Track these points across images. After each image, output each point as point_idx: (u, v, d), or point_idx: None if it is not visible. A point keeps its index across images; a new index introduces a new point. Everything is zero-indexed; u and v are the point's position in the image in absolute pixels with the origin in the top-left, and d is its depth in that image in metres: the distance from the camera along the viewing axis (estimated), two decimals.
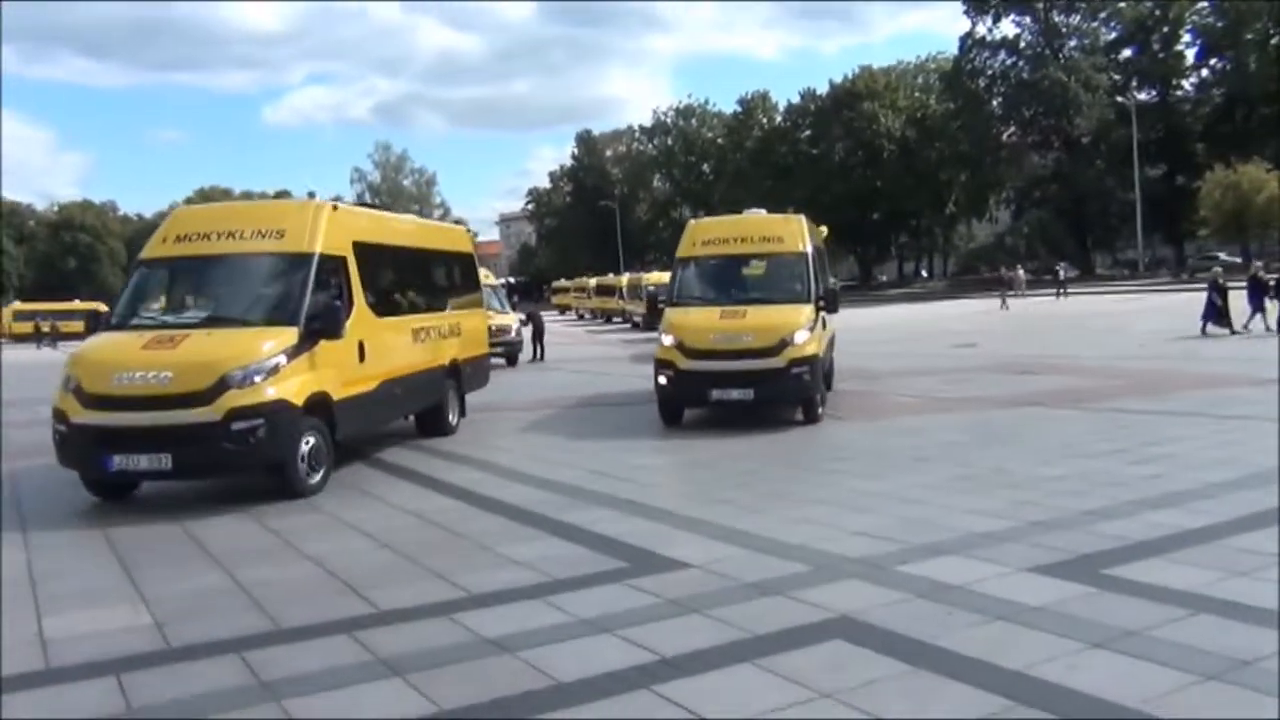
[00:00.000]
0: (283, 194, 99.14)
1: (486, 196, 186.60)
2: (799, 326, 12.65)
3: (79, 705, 4.72)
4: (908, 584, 6.03)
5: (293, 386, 9.25)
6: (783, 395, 12.83)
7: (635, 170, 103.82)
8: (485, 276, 30.91)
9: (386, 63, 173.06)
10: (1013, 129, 77.22)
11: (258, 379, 8.99)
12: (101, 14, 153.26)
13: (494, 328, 26.18)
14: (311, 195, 11.82)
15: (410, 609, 5.99)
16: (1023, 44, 75.11)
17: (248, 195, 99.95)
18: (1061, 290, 49.95)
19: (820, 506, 8.27)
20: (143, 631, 5.81)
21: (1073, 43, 73.77)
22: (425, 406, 13.15)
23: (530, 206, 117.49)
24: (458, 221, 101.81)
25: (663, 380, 12.98)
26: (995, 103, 76.44)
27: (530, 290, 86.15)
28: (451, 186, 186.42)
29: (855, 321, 34.19)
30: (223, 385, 8.81)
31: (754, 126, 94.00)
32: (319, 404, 9.68)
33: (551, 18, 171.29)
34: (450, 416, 13.70)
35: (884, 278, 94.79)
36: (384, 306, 11.62)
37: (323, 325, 9.69)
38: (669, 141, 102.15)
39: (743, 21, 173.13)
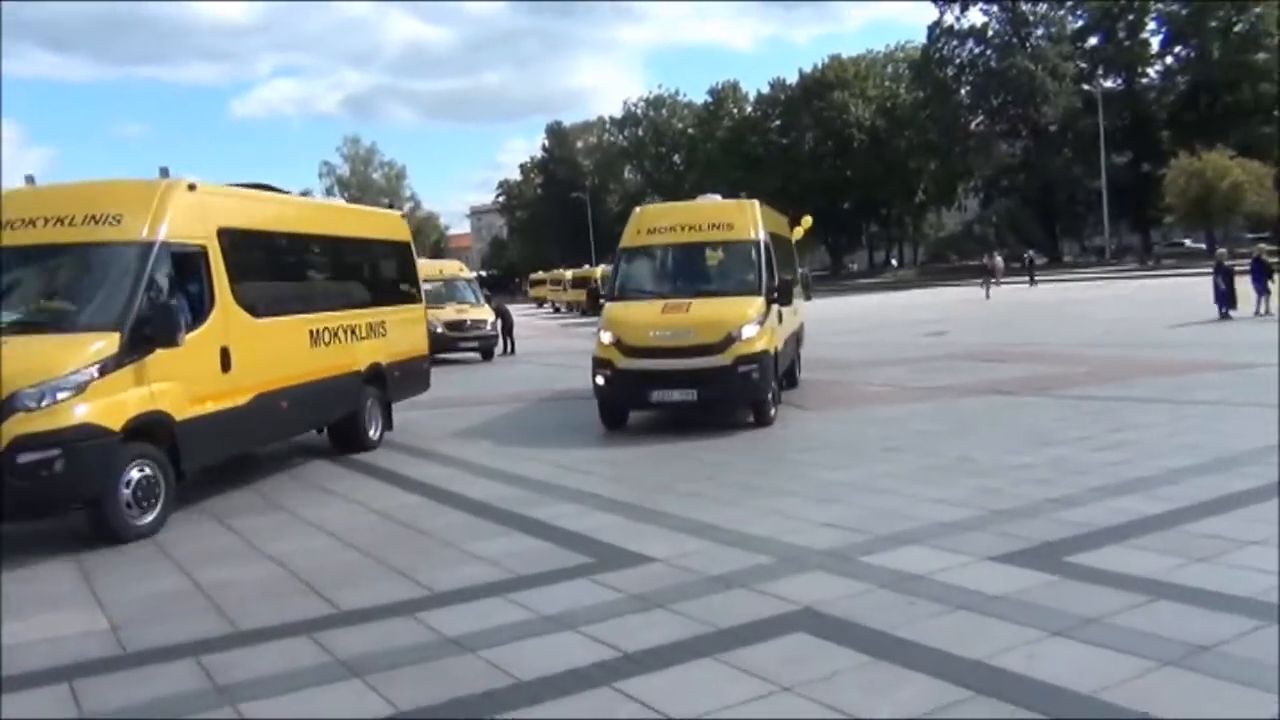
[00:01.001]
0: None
1: (458, 189, 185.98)
2: (747, 320, 11.76)
3: (30, 712, 4.63)
4: (871, 575, 6.03)
5: (105, 407, 7.70)
6: (729, 396, 11.91)
7: (606, 161, 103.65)
8: (460, 270, 30.93)
9: (356, 55, 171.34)
10: (981, 118, 77.53)
11: (60, 396, 7.47)
12: (67, 9, 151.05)
13: (469, 321, 26.19)
14: (164, 173, 9.31)
15: (372, 609, 5.92)
16: (990, 33, 75.40)
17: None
18: (1032, 278, 50.30)
19: (788, 498, 8.27)
20: (99, 636, 5.71)
21: (1040, 31, 74.09)
22: (331, 419, 11.73)
23: (501, 199, 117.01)
24: (427, 215, 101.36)
25: (600, 380, 12.12)
26: (963, 91, 76.74)
27: (501, 283, 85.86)
28: (422, 180, 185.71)
29: (825, 311, 34.33)
30: (9, 407, 7.30)
31: (724, 117, 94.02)
32: (150, 426, 8.16)
33: (523, 9, 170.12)
34: (370, 429, 12.17)
35: (854, 266, 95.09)
36: (267, 305, 10.09)
37: (155, 330, 8.14)
38: (639, 132, 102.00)
39: (715, 11, 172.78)
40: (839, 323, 30.17)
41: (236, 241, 9.62)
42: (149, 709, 4.58)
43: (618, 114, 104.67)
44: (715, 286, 12.56)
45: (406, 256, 14.40)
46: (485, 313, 27.10)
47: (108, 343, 7.81)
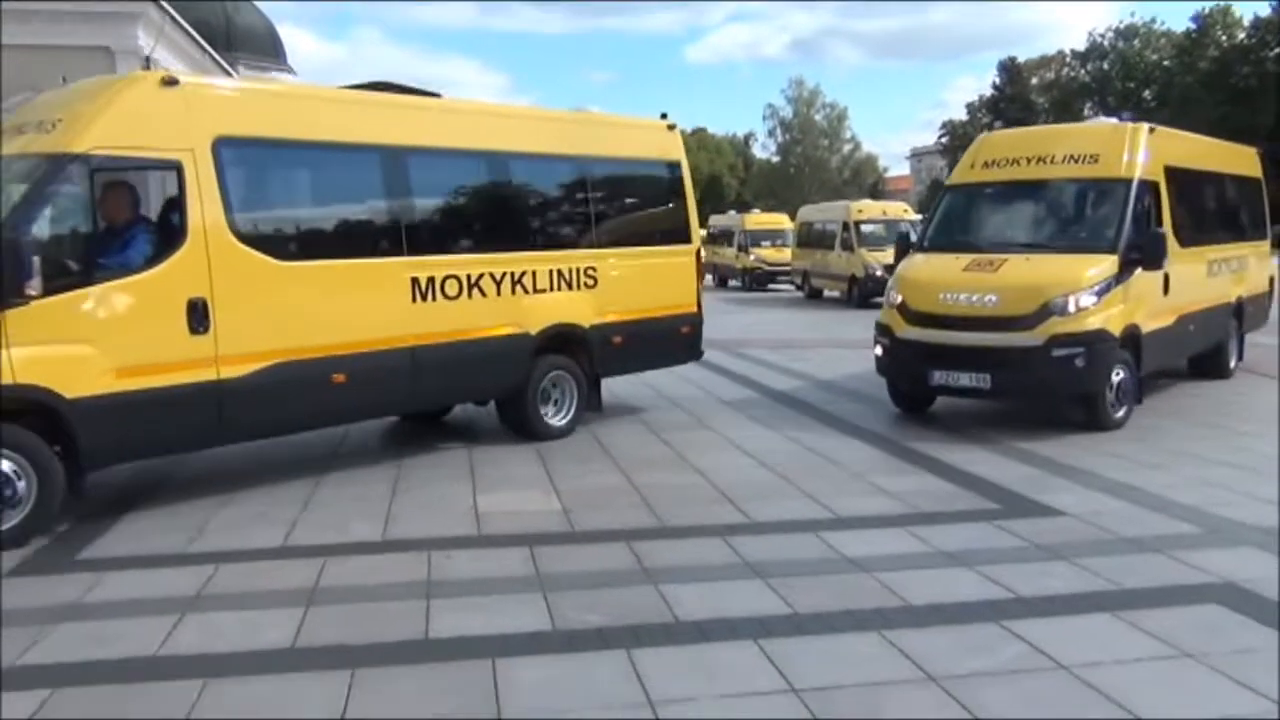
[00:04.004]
0: (699, 130, 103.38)
1: (899, 130, 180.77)
2: (1079, 287, 8.96)
3: (501, 567, 5.68)
4: None
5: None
6: (1036, 386, 9.25)
7: (1063, 99, 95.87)
8: (904, 211, 30.78)
9: None
10: None
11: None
12: None
13: None
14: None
15: (779, 522, 6.45)
16: None
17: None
18: None
19: (1226, 469, 7.65)
20: (553, 515, 6.78)
21: None
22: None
23: (944, 140, 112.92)
24: (866, 157, 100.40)
25: (879, 351, 10.13)
26: None
27: None
28: (863, 120, 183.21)
29: None
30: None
31: (1210, 45, 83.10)
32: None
33: None
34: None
35: None
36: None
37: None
38: (1105, 66, 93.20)
39: None
40: None
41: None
42: (590, 578, 5.43)
43: (1080, 47, 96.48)
44: (1052, 239, 9.95)
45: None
46: None
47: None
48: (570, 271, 9.22)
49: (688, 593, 5.17)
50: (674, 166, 10.63)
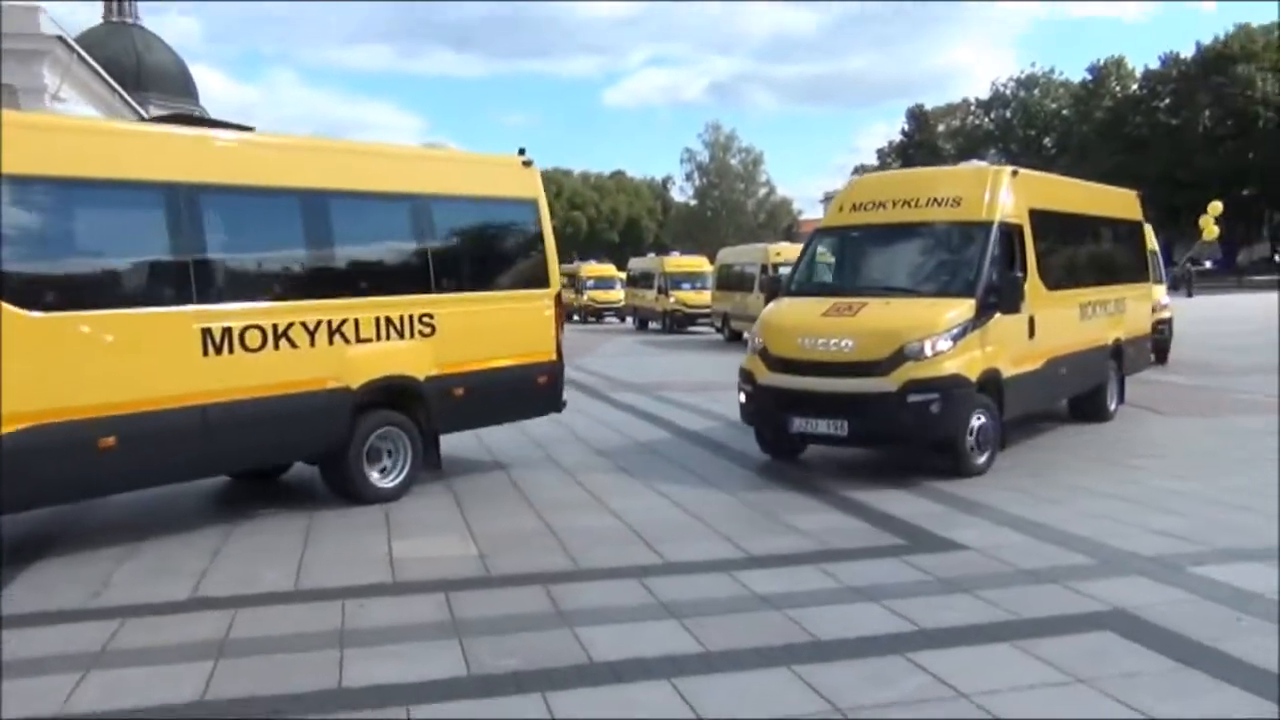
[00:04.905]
0: (618, 173, 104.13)
1: (814, 174, 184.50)
2: (935, 331, 8.80)
3: (416, 614, 5.65)
4: (1199, 586, 5.83)
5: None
6: (892, 433, 9.03)
7: (969, 145, 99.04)
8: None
9: (722, 43, 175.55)
10: None
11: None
12: (470, 9, 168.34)
13: None
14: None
15: (693, 562, 6.55)
16: None
17: (585, 176, 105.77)
18: None
19: (1118, 502, 7.98)
20: (469, 560, 6.77)
21: None
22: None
23: None
24: (781, 200, 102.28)
25: (741, 398, 9.94)
26: None
27: None
28: (778, 165, 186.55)
29: (1206, 311, 31.32)
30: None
31: (1105, 96, 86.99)
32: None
33: None
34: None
35: (1247, 262, 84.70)
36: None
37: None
38: (1007, 114, 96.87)
39: None
40: (1221, 324, 27.39)
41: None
42: (507, 622, 5.45)
43: (984, 95, 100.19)
44: (913, 283, 9.77)
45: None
46: None
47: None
48: (402, 319, 8.48)
49: (603, 634, 5.22)
50: (531, 206, 9.94)
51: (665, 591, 5.89)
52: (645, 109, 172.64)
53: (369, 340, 8.22)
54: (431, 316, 8.69)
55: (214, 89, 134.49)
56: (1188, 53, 79.71)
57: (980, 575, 6.13)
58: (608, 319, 43.51)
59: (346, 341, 8.06)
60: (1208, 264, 52.37)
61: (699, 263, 37.20)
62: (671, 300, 34.53)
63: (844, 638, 5.10)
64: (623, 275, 43.62)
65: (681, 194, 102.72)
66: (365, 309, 8.22)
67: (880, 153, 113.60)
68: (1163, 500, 8.00)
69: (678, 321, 34.17)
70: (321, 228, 8.21)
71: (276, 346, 7.60)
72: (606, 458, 10.45)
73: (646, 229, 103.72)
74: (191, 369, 7.12)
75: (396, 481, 8.57)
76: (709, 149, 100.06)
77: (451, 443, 10.32)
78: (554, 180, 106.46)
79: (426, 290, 8.73)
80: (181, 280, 7.16)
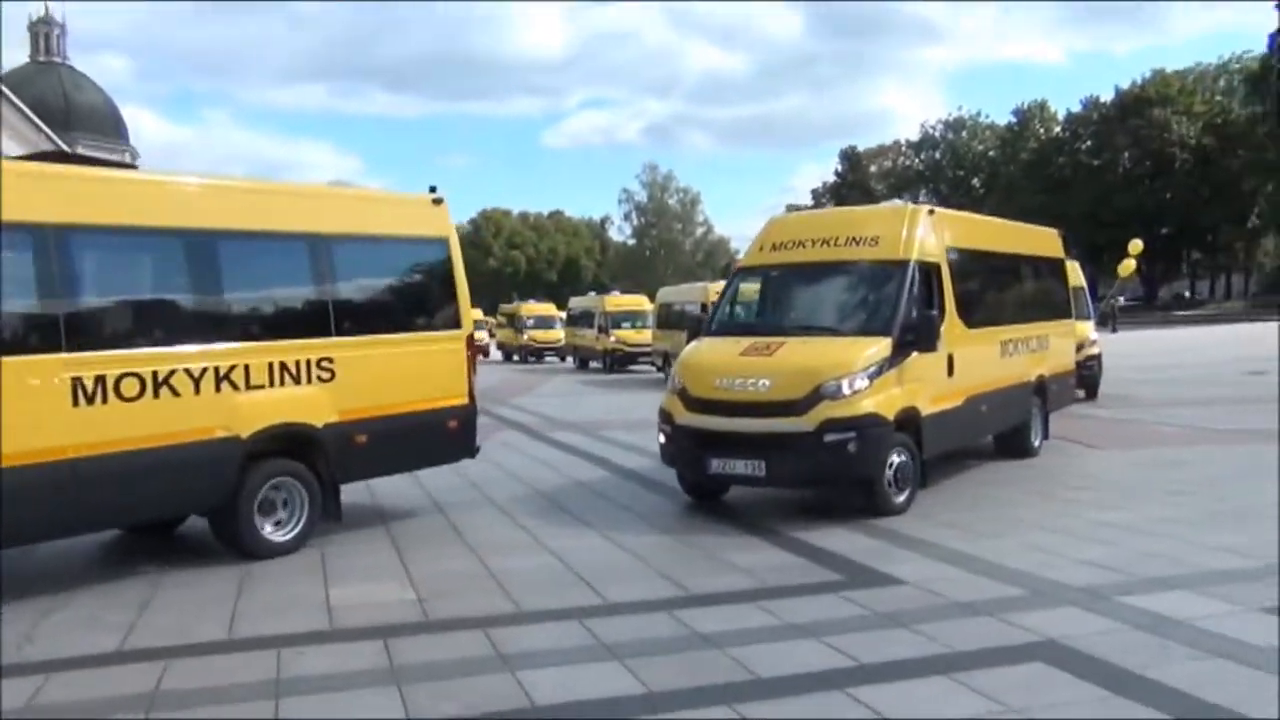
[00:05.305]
0: (557, 213, 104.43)
1: (750, 214, 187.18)
2: (851, 370, 8.76)
3: (355, 661, 5.57)
4: (1126, 614, 5.97)
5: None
6: (810, 474, 8.97)
7: (900, 185, 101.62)
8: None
9: (658, 85, 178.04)
10: None
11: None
12: (404, 51, 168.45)
13: None
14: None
15: (634, 602, 6.55)
16: None
17: (524, 216, 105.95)
18: None
19: (1052, 535, 8.16)
20: (407, 605, 6.68)
21: None
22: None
23: None
24: (719, 239, 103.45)
25: (661, 439, 9.81)
26: None
27: None
28: (715, 204, 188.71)
29: (1130, 346, 32.23)
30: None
31: (1029, 138, 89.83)
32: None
33: (821, 32, 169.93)
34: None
35: (1189, 295, 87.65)
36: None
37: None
38: (937, 155, 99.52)
39: (1026, 27, 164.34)
40: (1144, 357, 28.23)
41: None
42: (445, 668, 5.40)
43: (914, 137, 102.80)
44: (831, 322, 9.79)
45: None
46: None
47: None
48: (298, 364, 8.07)
49: (544, 678, 5.19)
50: (441, 244, 9.59)
51: (607, 633, 5.88)
52: (584, 149, 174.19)
53: (260, 386, 7.81)
54: (330, 361, 8.30)
55: (146, 129, 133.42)
56: (1107, 96, 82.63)
57: (916, 609, 6.21)
58: (548, 358, 43.28)
59: (235, 388, 7.64)
60: (1120, 300, 54.24)
61: (639, 301, 37.38)
62: (612, 339, 34.58)
63: (785, 675, 5.14)
64: (563, 314, 43.69)
65: (620, 233, 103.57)
66: (256, 354, 7.82)
67: (815, 193, 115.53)
68: (1093, 531, 8.19)
69: (618, 360, 34.22)
70: (208, 269, 7.79)
71: (156, 395, 7.17)
72: (546, 498, 10.42)
73: (585, 268, 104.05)
74: (59, 420, 6.68)
75: (292, 534, 8.16)
76: (647, 189, 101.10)
77: (387, 486, 10.25)
78: (493, 220, 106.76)
79: (325, 333, 8.35)
80: (49, 326, 6.74)
